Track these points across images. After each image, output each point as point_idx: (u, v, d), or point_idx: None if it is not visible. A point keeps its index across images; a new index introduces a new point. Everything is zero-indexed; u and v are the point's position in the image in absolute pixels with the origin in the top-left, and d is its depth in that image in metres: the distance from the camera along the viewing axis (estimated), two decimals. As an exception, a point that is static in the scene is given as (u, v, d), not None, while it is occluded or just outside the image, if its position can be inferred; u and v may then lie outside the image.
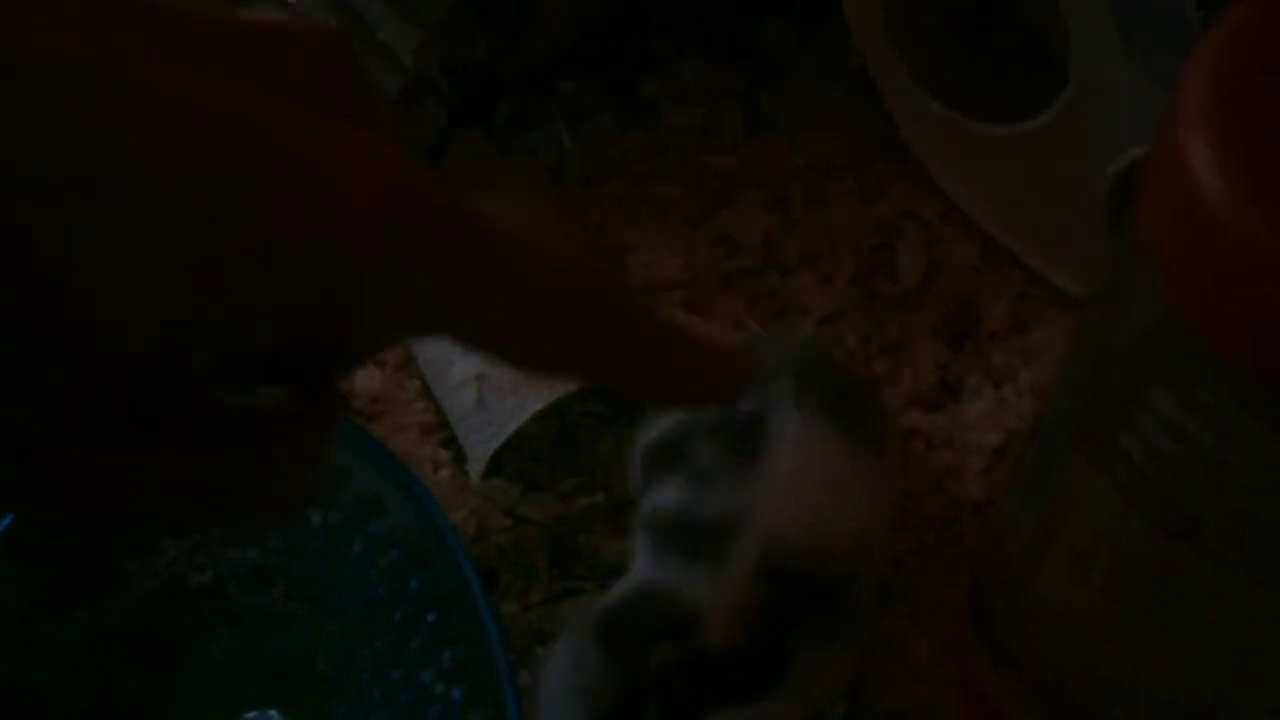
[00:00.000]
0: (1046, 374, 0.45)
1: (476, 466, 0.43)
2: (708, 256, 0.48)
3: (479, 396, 0.42)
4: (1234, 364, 0.20)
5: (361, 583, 0.36)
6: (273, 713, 0.36)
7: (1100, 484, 0.25)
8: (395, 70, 0.45)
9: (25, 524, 0.34)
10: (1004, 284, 0.47)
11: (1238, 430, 0.21)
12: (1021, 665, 0.32)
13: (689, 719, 0.32)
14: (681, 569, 0.34)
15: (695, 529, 0.34)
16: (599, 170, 0.51)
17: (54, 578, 0.36)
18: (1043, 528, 0.29)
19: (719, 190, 0.50)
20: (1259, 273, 0.19)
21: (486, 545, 0.42)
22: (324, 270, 0.16)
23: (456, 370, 0.43)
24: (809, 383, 0.36)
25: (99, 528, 0.17)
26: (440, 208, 0.17)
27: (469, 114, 0.47)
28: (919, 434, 0.44)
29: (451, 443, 0.44)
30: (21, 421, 0.16)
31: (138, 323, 0.16)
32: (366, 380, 0.46)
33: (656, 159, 0.51)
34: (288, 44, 0.18)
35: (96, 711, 0.36)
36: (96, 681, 0.36)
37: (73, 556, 0.36)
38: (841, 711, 0.37)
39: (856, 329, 0.47)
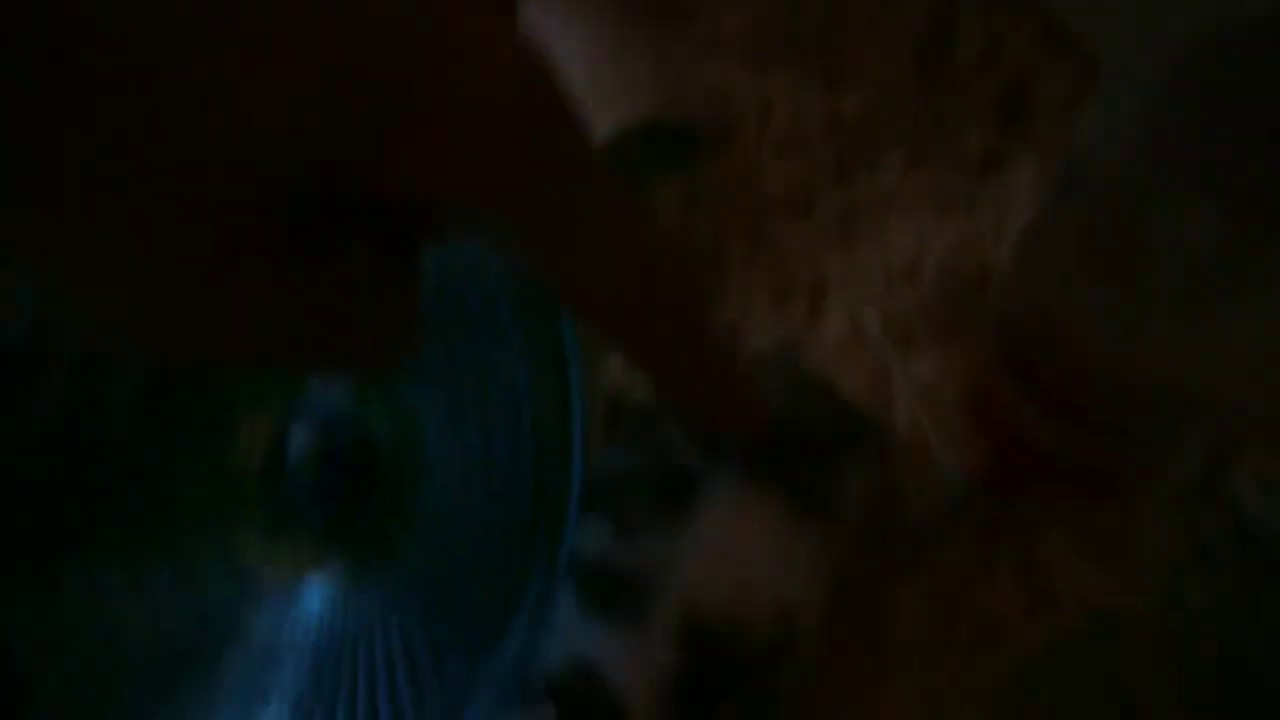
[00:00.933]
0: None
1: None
2: (773, 13, 0.49)
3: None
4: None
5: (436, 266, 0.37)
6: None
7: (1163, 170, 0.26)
8: None
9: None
10: (1061, 65, 0.48)
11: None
12: (1046, 387, 0.33)
13: None
14: (601, 624, 0.32)
15: (615, 582, 0.32)
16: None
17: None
18: (1088, 236, 0.30)
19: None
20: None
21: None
22: (442, 123, 0.17)
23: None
24: (761, 449, 0.34)
25: (205, 364, 0.18)
26: (555, 117, 0.18)
27: None
28: (957, 198, 0.46)
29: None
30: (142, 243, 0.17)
31: (261, 135, 0.16)
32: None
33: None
34: None
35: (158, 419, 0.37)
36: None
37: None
38: None
39: (906, 101, 0.47)
